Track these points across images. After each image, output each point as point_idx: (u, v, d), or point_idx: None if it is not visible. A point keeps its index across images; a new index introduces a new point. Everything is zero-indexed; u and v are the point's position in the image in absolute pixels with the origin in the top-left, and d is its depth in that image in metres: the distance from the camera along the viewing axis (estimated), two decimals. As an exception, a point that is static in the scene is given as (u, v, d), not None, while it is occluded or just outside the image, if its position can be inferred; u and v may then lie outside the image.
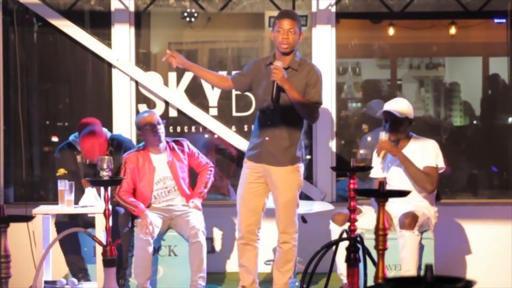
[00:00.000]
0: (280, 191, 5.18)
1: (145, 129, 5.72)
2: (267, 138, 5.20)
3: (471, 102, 8.48)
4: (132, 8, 6.61)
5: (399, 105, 5.58)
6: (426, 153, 5.56)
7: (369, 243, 4.41)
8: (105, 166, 4.58)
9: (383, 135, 5.50)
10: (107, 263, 4.46)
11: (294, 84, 5.08)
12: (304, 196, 6.38)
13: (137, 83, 6.66)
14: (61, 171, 5.77)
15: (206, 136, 6.85)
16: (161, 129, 5.73)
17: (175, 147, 5.85)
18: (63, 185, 5.43)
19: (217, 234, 6.54)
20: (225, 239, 6.53)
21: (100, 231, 5.20)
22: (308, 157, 6.64)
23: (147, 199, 5.77)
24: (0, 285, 3.28)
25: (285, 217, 5.20)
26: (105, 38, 6.64)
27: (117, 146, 5.91)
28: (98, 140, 5.66)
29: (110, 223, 4.46)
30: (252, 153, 5.26)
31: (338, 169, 6.37)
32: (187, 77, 6.70)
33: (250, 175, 5.24)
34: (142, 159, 5.75)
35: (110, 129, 6.33)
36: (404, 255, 5.35)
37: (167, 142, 5.83)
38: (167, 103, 6.68)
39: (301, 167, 5.25)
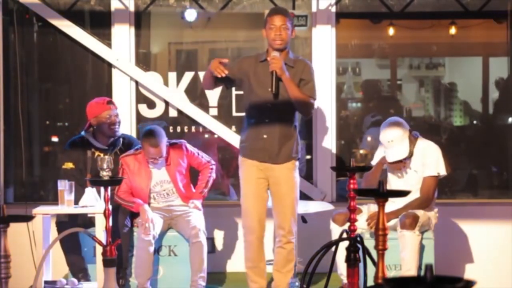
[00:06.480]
0: (282, 189, 5.16)
1: (146, 153, 5.68)
2: (265, 136, 5.19)
3: (471, 102, 8.48)
4: (132, 8, 6.61)
5: (401, 150, 5.46)
6: (427, 160, 5.54)
7: (369, 243, 4.42)
8: (105, 166, 4.58)
9: (371, 207, 5.45)
10: (107, 263, 4.46)
11: None
12: (304, 196, 6.38)
13: (137, 83, 6.66)
14: (69, 165, 5.71)
15: (206, 136, 6.85)
16: (161, 158, 5.70)
17: (173, 150, 5.81)
18: (63, 185, 5.42)
19: (218, 234, 6.54)
20: (225, 239, 6.52)
21: (100, 231, 5.19)
22: (308, 157, 6.64)
23: (145, 199, 5.77)
24: (0, 285, 3.28)
25: (289, 216, 5.18)
26: (105, 38, 6.63)
27: (128, 145, 5.91)
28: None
29: (110, 223, 4.46)
30: (250, 151, 5.22)
31: (338, 169, 6.37)
32: (187, 77, 6.71)
33: (253, 173, 5.20)
34: (138, 163, 5.72)
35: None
36: (405, 255, 5.34)
37: None
38: (167, 103, 6.68)
39: (297, 164, 5.24)
